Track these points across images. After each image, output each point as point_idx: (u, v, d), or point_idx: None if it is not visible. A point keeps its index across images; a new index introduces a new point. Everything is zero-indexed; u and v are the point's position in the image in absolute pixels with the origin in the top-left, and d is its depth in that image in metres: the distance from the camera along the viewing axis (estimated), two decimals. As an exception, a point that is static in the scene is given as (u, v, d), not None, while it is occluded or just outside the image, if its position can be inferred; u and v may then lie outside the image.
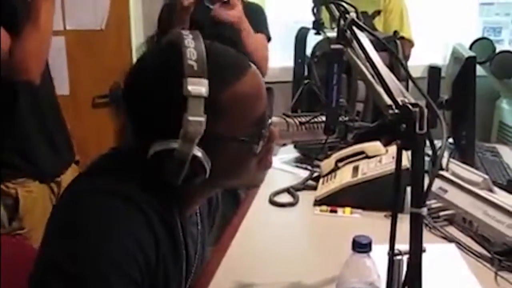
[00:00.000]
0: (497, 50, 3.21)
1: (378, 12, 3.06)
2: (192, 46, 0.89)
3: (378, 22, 3.06)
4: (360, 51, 1.05)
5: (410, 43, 3.06)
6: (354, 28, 1.09)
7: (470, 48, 3.09)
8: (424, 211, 0.80)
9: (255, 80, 0.96)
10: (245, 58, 0.98)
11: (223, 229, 1.55)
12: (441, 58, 3.28)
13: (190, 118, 0.86)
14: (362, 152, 1.81)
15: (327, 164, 1.86)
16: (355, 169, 1.75)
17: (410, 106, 0.81)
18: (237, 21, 2.22)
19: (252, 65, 0.97)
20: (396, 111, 0.83)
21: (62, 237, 0.87)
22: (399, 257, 0.85)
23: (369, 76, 0.99)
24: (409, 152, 0.82)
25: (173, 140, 0.88)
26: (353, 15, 1.11)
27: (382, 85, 0.91)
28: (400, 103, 0.83)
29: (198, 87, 0.86)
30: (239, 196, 2.14)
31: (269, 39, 2.53)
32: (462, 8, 3.57)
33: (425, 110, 0.80)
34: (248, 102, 0.94)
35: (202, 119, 0.87)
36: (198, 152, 0.89)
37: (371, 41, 1.06)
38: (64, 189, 1.00)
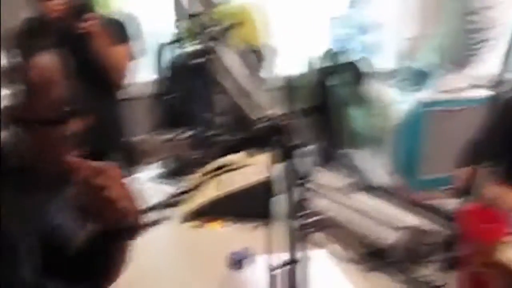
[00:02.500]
0: (346, 61, 3.40)
1: (236, 25, 3.10)
2: None
3: (237, 35, 3.10)
4: (223, 65, 1.04)
5: (267, 54, 3.14)
6: (216, 42, 1.08)
7: (324, 59, 3.24)
8: (297, 222, 0.81)
9: None
10: None
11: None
12: (299, 69, 3.41)
13: None
14: (227, 165, 1.81)
15: (193, 178, 1.84)
16: (221, 181, 1.75)
17: (277, 119, 0.81)
18: (93, 31, 2.20)
19: None
20: (264, 124, 0.83)
21: None
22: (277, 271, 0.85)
23: (234, 89, 0.98)
24: (276, 163, 0.82)
25: None
26: (214, 28, 1.10)
27: (247, 98, 0.91)
28: (267, 116, 0.83)
29: None
30: None
31: (133, 52, 2.46)
32: (317, 21, 3.74)
33: (293, 122, 0.81)
34: None
35: None
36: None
37: (234, 54, 1.05)
38: None
